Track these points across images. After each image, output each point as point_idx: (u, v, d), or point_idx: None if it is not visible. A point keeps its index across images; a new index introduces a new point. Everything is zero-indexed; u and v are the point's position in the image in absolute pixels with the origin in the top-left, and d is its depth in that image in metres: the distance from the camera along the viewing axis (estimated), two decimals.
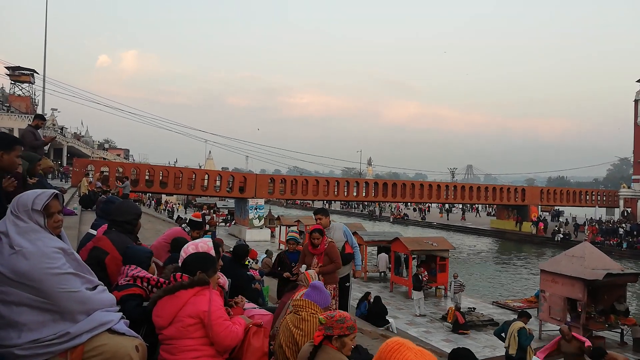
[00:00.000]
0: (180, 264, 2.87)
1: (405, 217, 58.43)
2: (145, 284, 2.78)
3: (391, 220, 58.18)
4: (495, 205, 51.80)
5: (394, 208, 63.30)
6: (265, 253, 13.59)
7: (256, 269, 8.61)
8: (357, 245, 6.24)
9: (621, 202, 48.54)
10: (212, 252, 2.97)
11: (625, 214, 46.47)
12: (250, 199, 34.47)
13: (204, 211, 41.65)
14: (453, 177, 77.54)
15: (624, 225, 39.99)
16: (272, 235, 34.15)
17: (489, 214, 59.49)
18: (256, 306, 3.45)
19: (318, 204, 72.21)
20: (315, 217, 5.94)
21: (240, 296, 3.42)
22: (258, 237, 32.34)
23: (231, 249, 6.13)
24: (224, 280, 3.19)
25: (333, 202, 59.96)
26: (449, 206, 69.01)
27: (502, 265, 31.46)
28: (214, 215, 38.30)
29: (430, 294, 17.64)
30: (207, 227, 14.42)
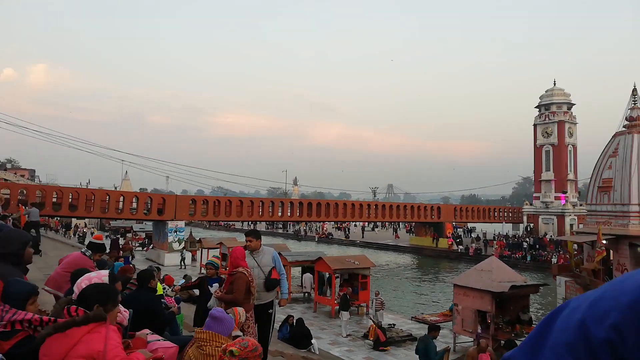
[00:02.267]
0: (74, 299, 2.65)
1: (330, 236, 59.18)
2: (26, 326, 2.52)
3: (316, 239, 58.62)
4: (413, 223, 54.13)
5: (319, 227, 63.91)
6: (184, 278, 13.04)
7: (171, 296, 8.23)
8: (284, 272, 6.11)
9: (525, 218, 52.83)
10: None
11: (529, 229, 50.61)
12: (169, 221, 33.06)
13: (118, 235, 39.30)
14: (374, 196, 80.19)
15: (527, 239, 43.52)
16: (194, 259, 32.90)
17: (407, 231, 61.93)
18: (160, 338, 3.27)
19: (243, 225, 71.11)
20: (245, 239, 5.83)
21: (144, 330, 3.23)
22: (177, 262, 31.01)
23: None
24: (123, 316, 2.99)
25: (258, 222, 59.35)
26: (373, 224, 71.24)
27: (420, 280, 32.77)
28: (130, 239, 36.24)
29: (353, 312, 17.88)
30: (121, 252, 13.58)
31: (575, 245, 19.94)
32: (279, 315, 15.37)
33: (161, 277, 9.53)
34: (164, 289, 9.09)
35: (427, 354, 8.51)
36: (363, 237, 57.13)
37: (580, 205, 45.67)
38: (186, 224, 35.85)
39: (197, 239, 33.15)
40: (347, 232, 59.85)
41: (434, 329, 9.38)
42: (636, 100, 18.94)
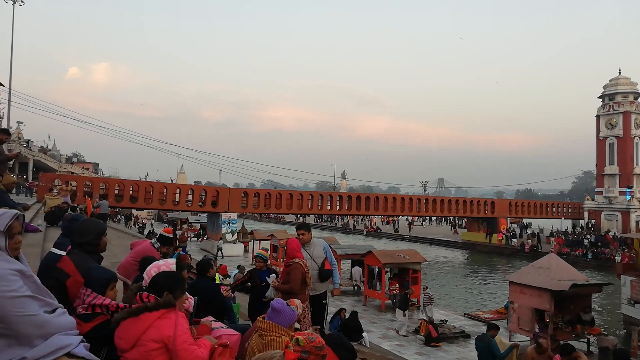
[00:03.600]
0: (144, 286, 2.80)
1: (379, 230, 58.82)
2: (104, 311, 2.70)
3: (365, 233, 58.46)
4: (465, 218, 52.75)
5: (368, 221, 63.66)
6: (237, 269, 13.42)
7: (227, 285, 8.49)
8: (335, 263, 6.24)
9: (586, 214, 50.18)
10: None
11: (590, 226, 48.02)
12: (222, 213, 34.07)
13: (177, 226, 40.93)
14: (425, 190, 78.78)
15: (588, 236, 41.30)
16: (246, 250, 33.77)
17: (460, 226, 60.34)
18: (224, 325, 3.39)
19: (291, 218, 72.05)
20: (297, 233, 5.98)
21: (208, 317, 3.36)
22: (231, 252, 31.92)
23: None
24: (189, 302, 3.13)
25: (307, 215, 59.94)
26: (422, 219, 70.01)
27: (473, 276, 31.94)
28: (186, 230, 37.68)
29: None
30: (178, 242, 14.15)
31: None
32: (332, 307, 15.55)
33: (216, 267, 9.86)
34: (219, 278, 9.42)
35: (492, 351, 8.32)
36: (410, 232, 56.27)
37: None
38: (238, 216, 36.84)
39: (249, 230, 33.98)
40: (397, 226, 59.20)
41: (492, 327, 9.13)
42: None
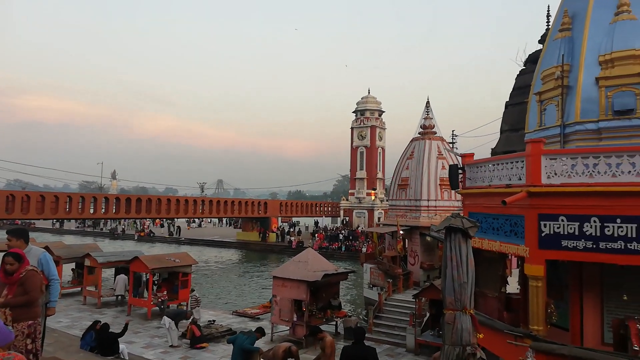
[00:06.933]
0: None
1: (152, 234, 55.72)
2: None
3: (136, 237, 54.56)
4: (240, 219, 54.55)
5: (140, 225, 59.67)
6: None
7: None
8: (56, 277, 5.40)
9: (342, 212, 57.81)
10: None
11: (344, 222, 55.46)
12: None
13: None
14: (202, 191, 78.31)
15: (343, 231, 47.60)
16: None
17: (234, 227, 62.03)
18: None
19: (47, 223, 62.15)
20: (7, 238, 4.99)
21: None
22: None
23: None
24: None
25: (67, 220, 52.64)
26: (200, 220, 69.37)
27: (246, 275, 33.17)
28: None
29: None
30: None
31: (380, 235, 22.61)
32: (86, 321, 13.87)
33: None
34: None
35: (236, 342, 8.58)
36: (180, 235, 55.04)
37: (387, 200, 51.74)
38: None
39: None
40: (173, 229, 57.09)
41: (259, 331, 9.28)
42: (429, 111, 22.17)
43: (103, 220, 59.06)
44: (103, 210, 36.96)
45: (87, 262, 18.45)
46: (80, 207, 34.86)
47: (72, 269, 20.91)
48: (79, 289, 19.56)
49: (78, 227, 65.17)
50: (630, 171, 6.97)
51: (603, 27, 8.84)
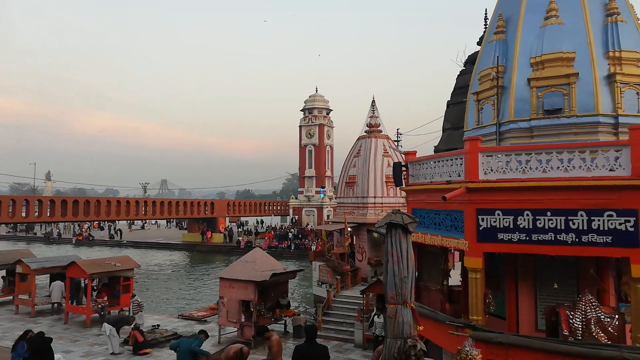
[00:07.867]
0: None
1: (91, 238, 53.14)
2: None
3: (74, 242, 51.81)
4: (186, 220, 53.18)
5: (78, 228, 56.76)
6: None
7: None
8: None
9: (291, 211, 57.69)
10: None
11: (294, 221, 55.41)
12: None
13: None
14: (145, 192, 75.64)
15: (292, 230, 47.54)
16: None
17: (180, 228, 60.46)
18: None
19: None
20: None
21: None
22: None
23: None
24: None
25: None
26: (143, 222, 66.94)
27: (191, 277, 32.39)
28: None
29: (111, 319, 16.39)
30: None
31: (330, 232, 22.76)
32: (17, 332, 12.97)
33: None
34: None
35: (181, 346, 8.36)
36: (121, 238, 52.97)
37: (336, 198, 52.31)
38: None
39: None
40: (114, 232, 54.73)
41: (202, 332, 9.13)
42: (374, 110, 22.56)
43: (38, 224, 55.72)
44: (36, 213, 34.81)
45: (18, 269, 17.34)
46: (10, 210, 32.64)
47: (3, 277, 19.61)
48: (11, 297, 18.37)
49: (9, 232, 61.04)
50: (559, 167, 7.40)
51: (534, 31, 9.33)
